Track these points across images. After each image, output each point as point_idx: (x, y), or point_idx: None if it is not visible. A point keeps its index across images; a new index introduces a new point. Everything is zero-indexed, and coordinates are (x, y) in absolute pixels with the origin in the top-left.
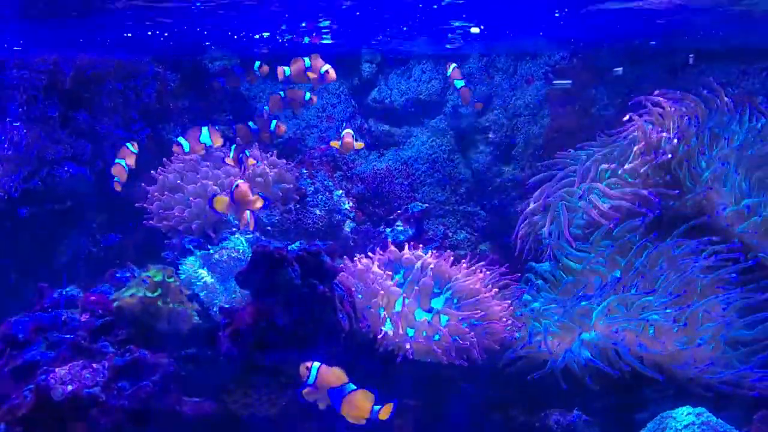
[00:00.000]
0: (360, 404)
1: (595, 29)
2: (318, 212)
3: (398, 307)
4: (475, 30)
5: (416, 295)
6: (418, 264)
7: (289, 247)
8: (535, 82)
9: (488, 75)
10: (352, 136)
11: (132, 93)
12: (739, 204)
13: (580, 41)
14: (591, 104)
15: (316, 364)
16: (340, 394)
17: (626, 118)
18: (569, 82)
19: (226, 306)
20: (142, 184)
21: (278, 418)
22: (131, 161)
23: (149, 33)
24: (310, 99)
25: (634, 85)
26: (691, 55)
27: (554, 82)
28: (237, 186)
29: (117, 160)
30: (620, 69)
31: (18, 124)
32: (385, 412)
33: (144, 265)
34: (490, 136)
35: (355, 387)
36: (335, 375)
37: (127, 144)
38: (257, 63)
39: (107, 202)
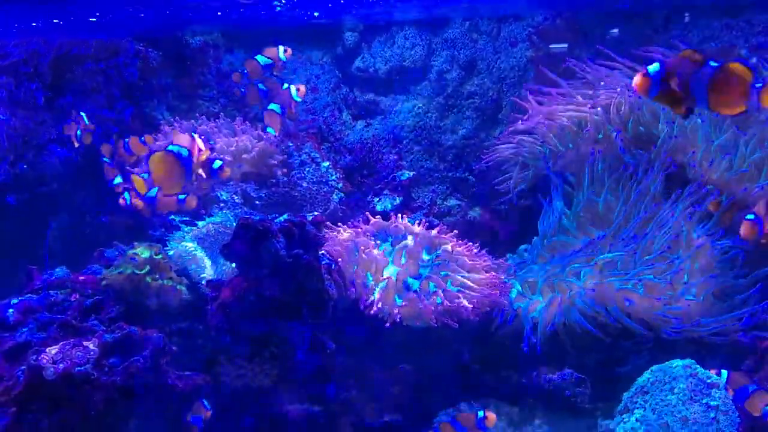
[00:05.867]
0: None
1: None
2: (305, 184)
3: (386, 275)
4: None
5: (404, 263)
6: (405, 231)
7: (276, 220)
8: (519, 44)
9: (471, 39)
10: None
11: (113, 72)
12: (711, 152)
13: (562, 2)
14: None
15: None
16: None
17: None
18: (565, 45)
19: (214, 279)
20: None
21: (271, 389)
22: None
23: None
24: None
25: (618, 44)
26: (681, 12)
27: (551, 46)
28: None
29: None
30: (616, 30)
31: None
32: None
33: (132, 243)
34: (476, 100)
35: None
36: None
37: None
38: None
39: (93, 182)
